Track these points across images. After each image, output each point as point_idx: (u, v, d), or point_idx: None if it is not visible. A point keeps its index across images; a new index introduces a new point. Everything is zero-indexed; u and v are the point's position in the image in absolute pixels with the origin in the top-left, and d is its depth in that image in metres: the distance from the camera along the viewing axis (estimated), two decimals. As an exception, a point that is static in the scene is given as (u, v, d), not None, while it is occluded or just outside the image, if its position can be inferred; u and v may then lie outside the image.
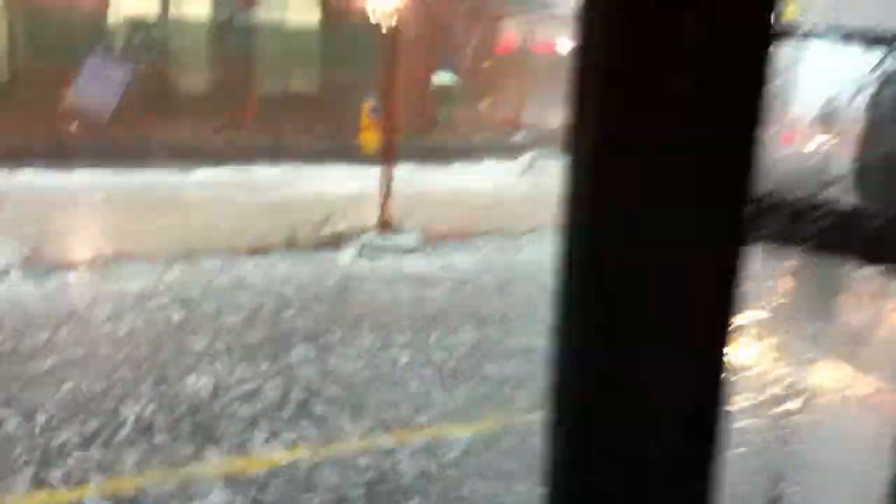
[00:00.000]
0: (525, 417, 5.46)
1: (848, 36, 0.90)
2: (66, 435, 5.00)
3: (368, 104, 15.41)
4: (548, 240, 8.04)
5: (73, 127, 12.67)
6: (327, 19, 19.20)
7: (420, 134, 16.64)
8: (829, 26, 0.92)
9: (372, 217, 10.10)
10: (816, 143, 0.86)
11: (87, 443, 4.94)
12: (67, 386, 5.68)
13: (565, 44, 20.12)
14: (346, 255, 9.26)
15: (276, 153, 14.48)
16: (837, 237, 0.81)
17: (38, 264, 8.17)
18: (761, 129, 0.50)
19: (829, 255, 0.85)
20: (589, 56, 0.50)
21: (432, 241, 9.91)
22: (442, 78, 19.36)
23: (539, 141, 17.27)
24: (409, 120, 16.71)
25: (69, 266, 8.35)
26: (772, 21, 0.48)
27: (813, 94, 0.91)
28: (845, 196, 0.84)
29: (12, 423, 5.10)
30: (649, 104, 0.48)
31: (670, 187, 0.49)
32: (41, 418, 5.18)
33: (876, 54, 0.87)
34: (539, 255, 8.84)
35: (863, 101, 0.87)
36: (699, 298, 0.51)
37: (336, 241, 9.57)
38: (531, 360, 6.36)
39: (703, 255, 0.50)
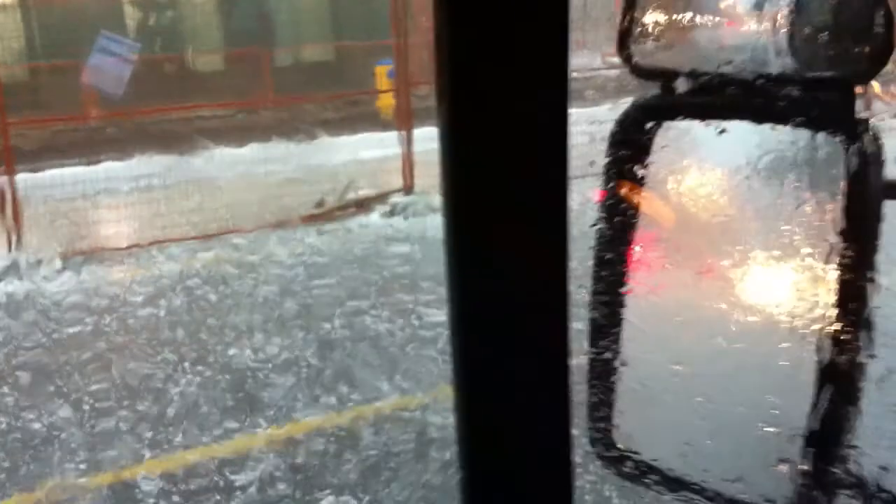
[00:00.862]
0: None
1: None
2: (115, 419, 5.21)
3: (384, 68, 15.41)
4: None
5: (94, 112, 12.86)
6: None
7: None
8: None
9: (395, 181, 10.19)
10: (753, 26, 0.96)
11: (137, 424, 5.15)
12: (114, 371, 5.89)
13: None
14: (371, 219, 9.39)
15: (296, 124, 14.58)
16: (764, 105, 0.92)
17: (74, 255, 8.38)
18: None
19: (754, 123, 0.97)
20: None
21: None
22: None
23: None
24: (427, 78, 16.73)
25: (103, 255, 8.55)
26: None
27: None
28: (779, 68, 0.95)
29: (64, 412, 5.32)
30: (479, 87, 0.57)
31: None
32: (86, 405, 5.40)
33: None
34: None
35: None
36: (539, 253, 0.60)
37: (360, 207, 9.68)
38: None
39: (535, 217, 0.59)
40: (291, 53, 17.93)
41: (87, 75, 9.64)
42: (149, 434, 5.04)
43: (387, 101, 15.03)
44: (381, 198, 9.82)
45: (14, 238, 8.24)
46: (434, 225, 9.18)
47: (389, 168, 10.57)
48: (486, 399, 0.63)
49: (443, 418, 5.05)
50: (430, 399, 5.33)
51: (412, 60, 11.21)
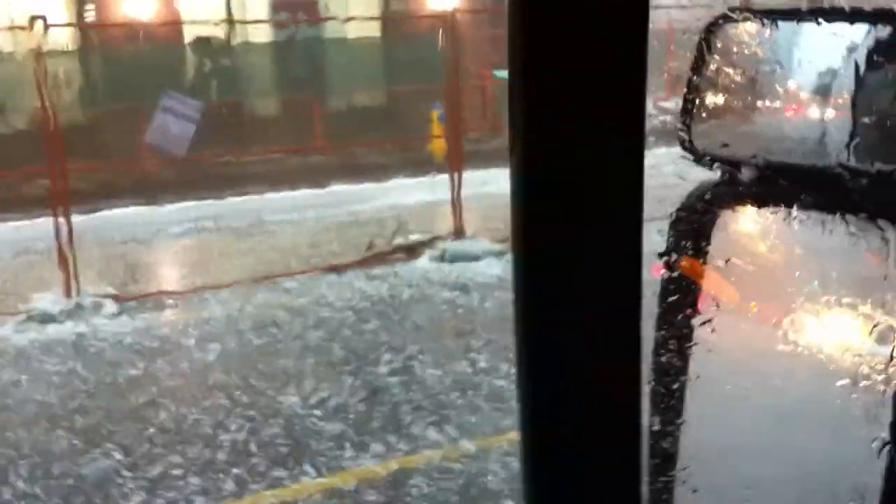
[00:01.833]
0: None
1: (835, 13, 1.00)
2: (166, 465, 5.24)
3: (436, 112, 15.53)
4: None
5: (151, 158, 13.14)
6: (388, 30, 19.46)
7: (492, 135, 16.68)
8: (816, 6, 1.02)
9: (445, 225, 10.22)
10: (815, 113, 0.94)
11: (187, 471, 5.17)
12: (164, 415, 5.94)
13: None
14: (420, 264, 9.39)
15: (348, 169, 14.74)
16: (830, 195, 0.90)
17: (129, 299, 8.51)
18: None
19: (820, 213, 0.95)
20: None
21: (507, 243, 9.96)
22: (502, 74, 19.36)
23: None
24: (477, 123, 16.81)
25: (158, 298, 8.67)
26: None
27: (810, 69, 1.00)
28: (841, 158, 0.93)
29: (115, 457, 5.36)
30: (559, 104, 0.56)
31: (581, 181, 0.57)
32: (141, 450, 5.44)
33: (863, 28, 0.96)
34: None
35: (854, 72, 0.96)
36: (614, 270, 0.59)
37: (410, 251, 9.70)
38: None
39: (611, 236, 0.58)
40: (344, 98, 18.17)
41: (150, 136, 9.83)
42: (197, 480, 5.06)
43: (438, 146, 15.13)
44: (431, 242, 9.83)
45: (71, 280, 8.39)
46: (483, 270, 9.16)
47: (439, 212, 10.61)
48: (554, 454, 0.62)
49: (491, 468, 4.99)
50: (478, 448, 5.28)
51: (464, 105, 11.27)
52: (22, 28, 9.29)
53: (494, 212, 11.01)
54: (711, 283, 1.04)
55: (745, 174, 0.92)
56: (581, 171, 0.57)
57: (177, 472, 5.16)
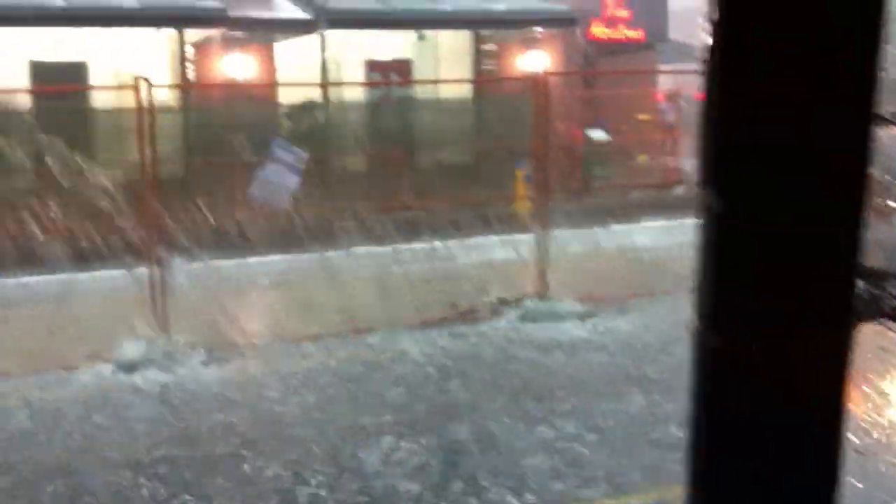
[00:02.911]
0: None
1: None
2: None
3: (522, 171, 15.56)
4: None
5: (247, 216, 13.46)
6: (479, 90, 19.69)
7: (576, 196, 16.62)
8: None
9: (530, 284, 10.14)
10: None
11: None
12: (245, 468, 5.96)
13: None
14: (503, 323, 9.32)
15: (433, 225, 14.81)
16: None
17: (217, 349, 8.64)
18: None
19: None
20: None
21: (592, 304, 9.83)
22: (595, 134, 19.31)
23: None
24: (562, 183, 16.77)
25: (245, 350, 8.79)
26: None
27: None
28: None
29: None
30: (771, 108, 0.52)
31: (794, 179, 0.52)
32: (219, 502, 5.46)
33: None
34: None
35: None
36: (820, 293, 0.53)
37: (495, 310, 9.64)
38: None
39: (821, 241, 0.53)
40: (432, 155, 18.36)
41: (257, 188, 10.01)
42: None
43: (523, 203, 15.13)
44: (515, 302, 9.76)
45: (161, 328, 8.59)
46: (566, 331, 9.03)
47: (524, 272, 10.53)
48: None
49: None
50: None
51: (551, 164, 11.26)
52: (129, 87, 9.68)
53: (579, 272, 10.89)
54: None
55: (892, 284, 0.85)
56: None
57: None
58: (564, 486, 5.52)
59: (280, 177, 9.52)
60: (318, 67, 18.47)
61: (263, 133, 15.01)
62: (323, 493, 5.57)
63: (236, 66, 18.45)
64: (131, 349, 8.31)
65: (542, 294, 9.96)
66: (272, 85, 19.04)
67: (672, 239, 15.15)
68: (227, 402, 7.31)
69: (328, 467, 5.94)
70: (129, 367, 8.07)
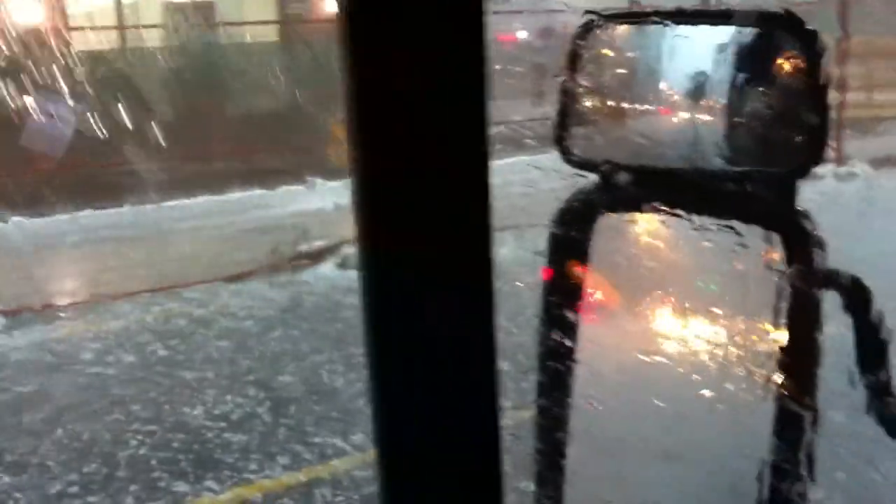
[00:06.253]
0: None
1: (697, 14, 1.02)
2: (77, 475, 5.08)
3: (337, 117, 15.43)
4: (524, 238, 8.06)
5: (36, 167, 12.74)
6: (286, 36, 19.26)
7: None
8: (689, 7, 1.05)
9: (348, 231, 10.14)
10: (688, 115, 0.97)
11: (87, 485, 5.02)
12: (59, 432, 5.75)
13: (524, 34, 20.19)
14: (324, 271, 9.32)
15: (247, 175, 14.51)
16: (700, 197, 0.93)
17: (19, 312, 8.20)
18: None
19: (695, 216, 0.98)
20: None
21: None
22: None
23: (504, 139, 17.29)
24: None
25: (52, 313, 8.38)
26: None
27: (680, 72, 1.02)
28: (716, 161, 0.96)
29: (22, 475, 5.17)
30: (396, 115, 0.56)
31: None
32: (35, 468, 5.26)
33: (729, 30, 0.99)
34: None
35: (723, 74, 0.99)
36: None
37: (314, 258, 9.62)
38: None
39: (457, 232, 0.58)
40: (243, 104, 17.86)
41: (26, 138, 9.60)
42: (95, 499, 4.92)
43: (338, 150, 15.04)
44: (334, 249, 9.76)
45: None
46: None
47: (342, 219, 10.53)
48: (410, 466, 0.61)
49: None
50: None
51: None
52: None
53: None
54: (593, 285, 1.06)
55: (621, 178, 0.94)
56: (423, 177, 0.57)
57: (72, 489, 5.00)
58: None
59: (50, 127, 9.17)
60: (113, 11, 17.52)
61: (48, 82, 14.12)
62: (144, 451, 5.45)
63: (21, 7, 17.16)
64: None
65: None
66: (64, 29, 17.85)
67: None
68: (37, 368, 6.97)
69: (150, 426, 5.81)
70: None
